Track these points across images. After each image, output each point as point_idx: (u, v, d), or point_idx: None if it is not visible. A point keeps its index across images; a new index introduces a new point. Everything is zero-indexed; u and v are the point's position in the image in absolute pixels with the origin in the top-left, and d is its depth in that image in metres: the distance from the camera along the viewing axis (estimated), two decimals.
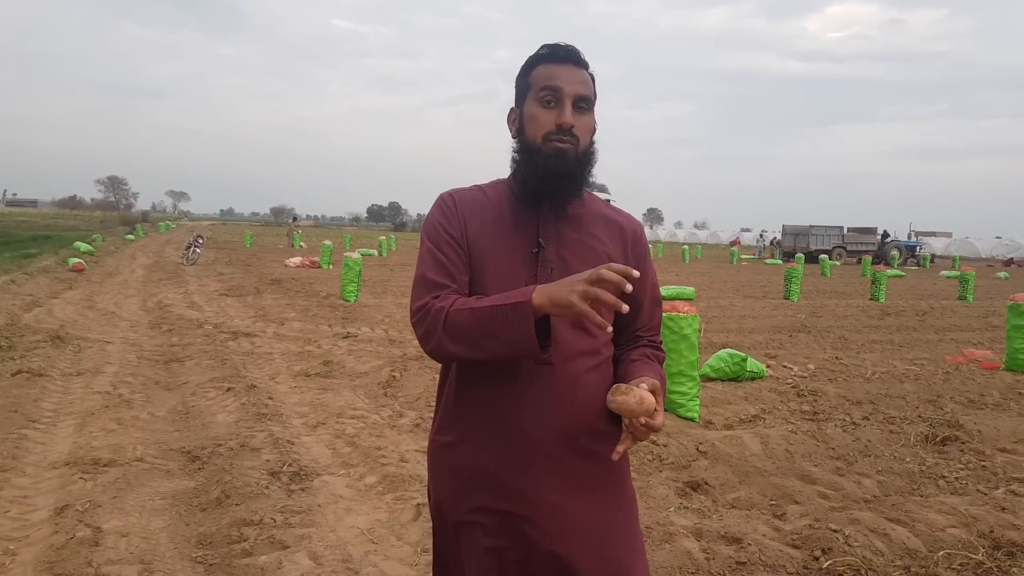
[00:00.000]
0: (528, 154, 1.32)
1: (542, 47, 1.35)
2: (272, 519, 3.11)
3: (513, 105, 1.39)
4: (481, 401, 1.32)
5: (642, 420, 1.20)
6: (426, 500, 1.49)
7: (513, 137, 1.37)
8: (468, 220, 1.35)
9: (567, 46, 1.34)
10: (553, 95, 1.30)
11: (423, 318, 1.28)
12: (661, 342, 1.48)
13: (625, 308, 1.13)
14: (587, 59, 1.36)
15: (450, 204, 1.37)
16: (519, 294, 1.21)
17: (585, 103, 1.32)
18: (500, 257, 1.33)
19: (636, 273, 1.12)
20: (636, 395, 1.19)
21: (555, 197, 1.33)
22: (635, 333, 1.44)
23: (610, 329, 1.19)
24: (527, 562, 1.31)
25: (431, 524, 1.49)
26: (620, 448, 1.25)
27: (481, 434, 1.32)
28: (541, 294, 1.18)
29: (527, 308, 1.18)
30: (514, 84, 1.39)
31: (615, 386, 1.22)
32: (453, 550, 1.41)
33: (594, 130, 1.37)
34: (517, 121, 1.36)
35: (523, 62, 1.37)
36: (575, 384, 1.31)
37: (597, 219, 1.41)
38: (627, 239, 1.42)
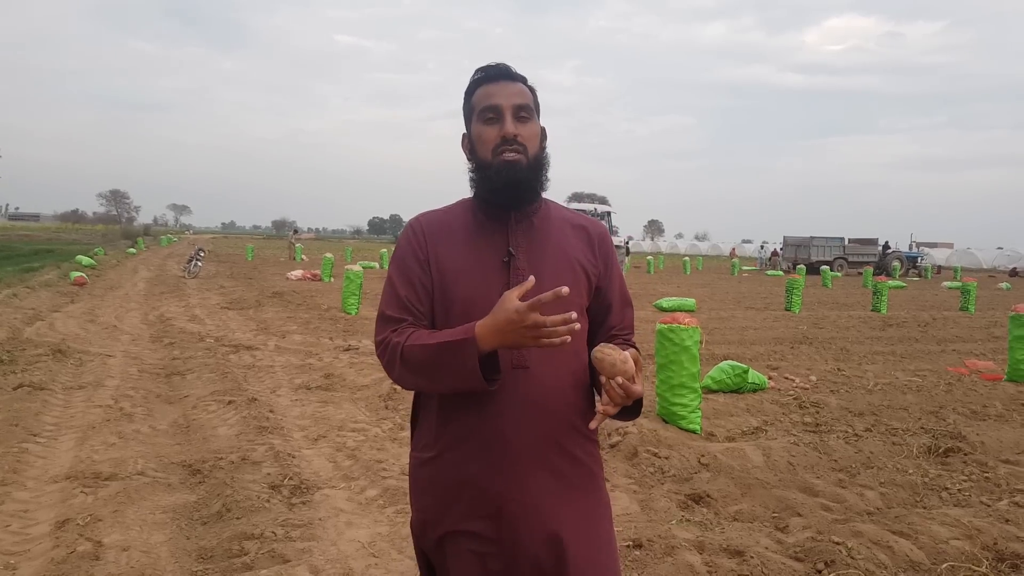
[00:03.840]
0: (482, 171, 1.39)
1: (476, 71, 1.42)
2: (273, 533, 3.10)
3: (464, 131, 1.45)
4: (461, 412, 1.35)
5: (619, 380, 1.21)
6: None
7: (468, 160, 1.43)
8: (435, 242, 1.41)
9: (498, 64, 1.41)
10: (493, 112, 1.36)
11: (383, 351, 1.37)
12: (635, 344, 1.49)
13: (568, 338, 1.18)
14: (521, 73, 1.42)
15: (417, 230, 1.43)
16: (464, 330, 1.26)
17: (525, 111, 1.38)
18: (471, 271, 1.38)
19: (565, 290, 1.17)
20: (622, 355, 1.20)
21: (515, 206, 1.39)
22: (608, 333, 1.47)
23: (577, 326, 1.20)
24: (512, 566, 1.33)
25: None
26: (600, 411, 1.25)
27: (463, 444, 1.35)
28: (485, 329, 1.23)
29: (471, 344, 1.24)
30: (462, 113, 1.45)
31: (601, 344, 1.24)
32: (438, 565, 1.42)
33: (542, 136, 1.42)
34: (469, 144, 1.43)
35: (464, 89, 1.43)
36: (552, 386, 1.35)
37: (564, 225, 1.45)
38: (594, 242, 1.46)
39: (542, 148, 1.42)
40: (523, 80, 1.42)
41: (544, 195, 1.45)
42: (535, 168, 1.39)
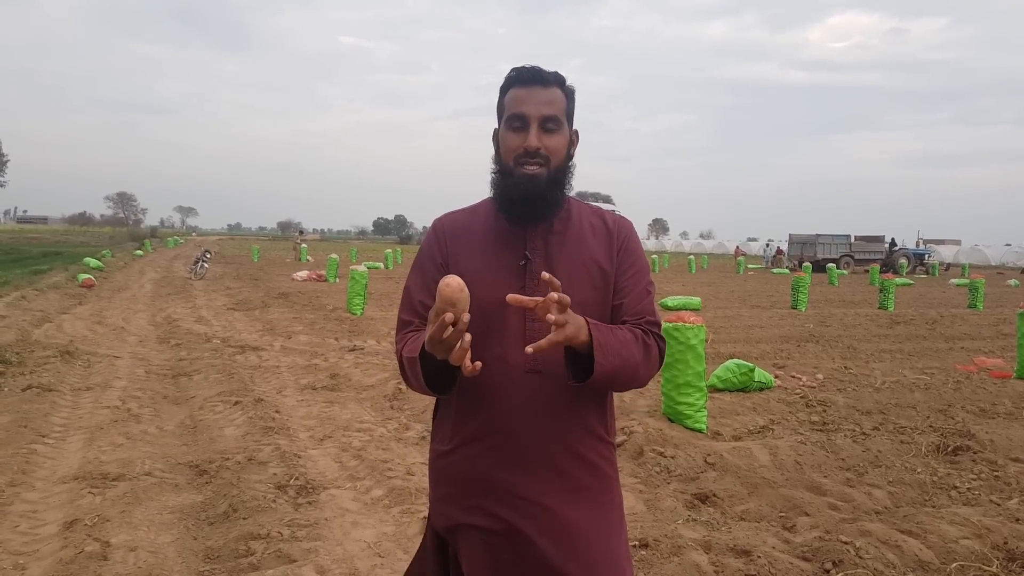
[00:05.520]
0: (502, 176, 1.39)
1: (512, 70, 1.41)
2: (279, 533, 3.11)
3: (496, 126, 1.45)
4: (477, 409, 1.37)
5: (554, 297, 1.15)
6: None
7: (493, 160, 1.43)
8: (455, 244, 1.43)
9: (532, 68, 1.39)
10: (520, 120, 1.36)
11: (397, 357, 1.42)
12: (657, 330, 1.42)
13: (456, 323, 1.11)
14: (556, 75, 1.39)
15: (439, 232, 1.46)
16: (414, 348, 1.30)
17: (553, 122, 1.36)
18: (488, 274, 1.38)
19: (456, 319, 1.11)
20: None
21: (530, 219, 1.38)
22: (621, 319, 1.43)
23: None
24: (521, 562, 1.35)
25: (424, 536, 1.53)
26: (536, 347, 1.18)
27: (477, 441, 1.38)
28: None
29: (417, 361, 1.28)
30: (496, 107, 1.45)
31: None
32: (452, 548, 1.44)
33: (569, 144, 1.41)
34: (496, 143, 1.43)
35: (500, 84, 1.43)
36: (566, 390, 1.35)
37: (583, 225, 1.44)
38: (612, 238, 1.44)
39: (568, 157, 1.40)
40: (560, 82, 1.39)
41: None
42: (555, 182, 1.38)
